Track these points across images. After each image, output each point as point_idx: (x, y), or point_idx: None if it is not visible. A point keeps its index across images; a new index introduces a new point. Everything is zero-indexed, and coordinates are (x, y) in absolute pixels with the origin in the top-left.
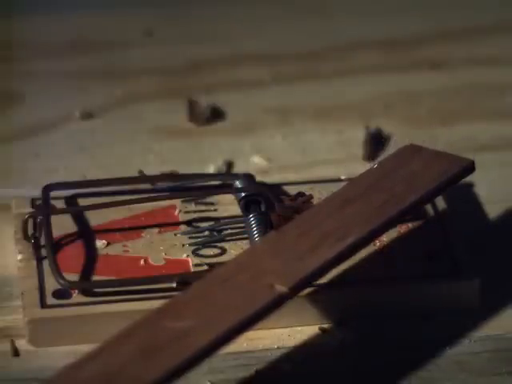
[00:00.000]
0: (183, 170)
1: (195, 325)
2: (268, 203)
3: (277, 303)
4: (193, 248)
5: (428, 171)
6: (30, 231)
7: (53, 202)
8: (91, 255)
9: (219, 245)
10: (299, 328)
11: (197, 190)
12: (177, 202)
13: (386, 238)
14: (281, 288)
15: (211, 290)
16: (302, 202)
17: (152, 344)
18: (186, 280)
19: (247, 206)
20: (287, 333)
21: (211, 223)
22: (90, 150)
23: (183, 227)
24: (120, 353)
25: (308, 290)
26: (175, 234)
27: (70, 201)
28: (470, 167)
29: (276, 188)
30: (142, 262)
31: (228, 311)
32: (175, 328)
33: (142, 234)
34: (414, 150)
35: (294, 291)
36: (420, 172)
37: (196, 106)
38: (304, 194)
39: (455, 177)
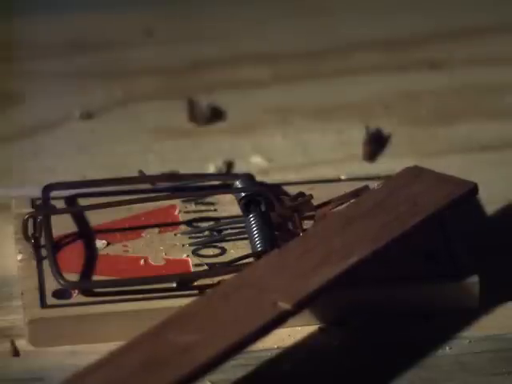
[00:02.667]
0: (183, 169)
1: (198, 339)
2: (268, 203)
3: (280, 320)
4: (193, 248)
5: (431, 193)
6: (30, 231)
7: (53, 202)
8: (91, 255)
9: (219, 245)
10: (299, 328)
11: (197, 190)
12: (177, 201)
13: None
14: (284, 305)
15: (215, 305)
16: (302, 202)
17: (155, 357)
18: (185, 280)
19: (247, 206)
20: (287, 333)
21: (211, 223)
22: (90, 150)
23: (183, 227)
24: (123, 365)
25: None
26: (175, 234)
27: (70, 201)
28: (473, 190)
29: (276, 188)
30: (142, 261)
31: (231, 327)
32: (178, 342)
33: (142, 234)
34: (417, 172)
35: (297, 308)
36: (423, 194)
37: (196, 106)
38: (304, 194)
39: (458, 199)
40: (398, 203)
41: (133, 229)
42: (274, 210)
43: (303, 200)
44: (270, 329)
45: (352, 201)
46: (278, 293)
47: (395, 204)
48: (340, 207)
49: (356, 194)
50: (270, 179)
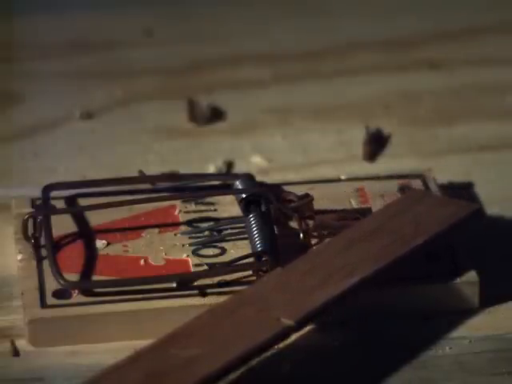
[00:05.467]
0: (183, 169)
1: (201, 353)
2: (268, 203)
3: (282, 336)
4: (193, 248)
5: (435, 215)
6: (30, 231)
7: (53, 202)
8: (91, 255)
9: (219, 245)
10: None
11: (197, 190)
12: (177, 202)
13: None
14: (287, 321)
15: (218, 320)
16: (302, 203)
17: (158, 371)
18: (185, 280)
19: (247, 206)
20: None
21: (211, 223)
22: (90, 150)
23: (183, 227)
24: (126, 378)
25: None
26: (175, 234)
27: (70, 201)
28: (478, 212)
29: (276, 188)
30: (142, 261)
31: (234, 342)
32: (181, 356)
33: (142, 234)
34: (419, 195)
35: (300, 325)
36: (427, 216)
37: (196, 106)
38: (309, 195)
39: (462, 221)
40: (401, 225)
41: (133, 229)
42: (276, 208)
43: (304, 201)
44: (273, 344)
45: (355, 222)
46: (281, 309)
47: (398, 226)
48: (340, 221)
49: (358, 212)
50: (270, 179)
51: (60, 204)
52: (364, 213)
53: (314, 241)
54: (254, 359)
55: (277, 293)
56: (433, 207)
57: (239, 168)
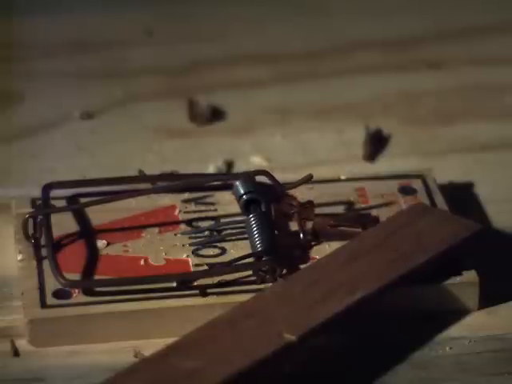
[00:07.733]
0: (183, 170)
1: (203, 365)
2: (268, 198)
3: (284, 351)
4: (193, 248)
5: (437, 232)
6: (30, 231)
7: (53, 202)
8: (91, 255)
9: (219, 245)
10: None
11: (197, 190)
12: (177, 202)
13: None
14: (289, 336)
15: (220, 332)
16: (304, 205)
17: (159, 381)
18: (185, 280)
19: (247, 206)
20: None
21: (211, 223)
22: (90, 150)
23: (183, 227)
24: None
25: None
26: (175, 234)
27: (70, 200)
28: (481, 232)
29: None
30: (142, 261)
31: (236, 355)
32: (182, 368)
33: (142, 234)
34: (422, 210)
35: (302, 340)
36: (429, 232)
37: (196, 106)
38: (313, 202)
39: (465, 240)
40: (403, 240)
41: (133, 229)
42: (280, 198)
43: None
44: (274, 359)
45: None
46: (283, 324)
47: (400, 241)
48: (337, 229)
49: (359, 219)
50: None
51: (60, 204)
52: (363, 218)
53: (313, 242)
54: (256, 372)
55: (278, 306)
56: (434, 224)
57: (239, 168)
